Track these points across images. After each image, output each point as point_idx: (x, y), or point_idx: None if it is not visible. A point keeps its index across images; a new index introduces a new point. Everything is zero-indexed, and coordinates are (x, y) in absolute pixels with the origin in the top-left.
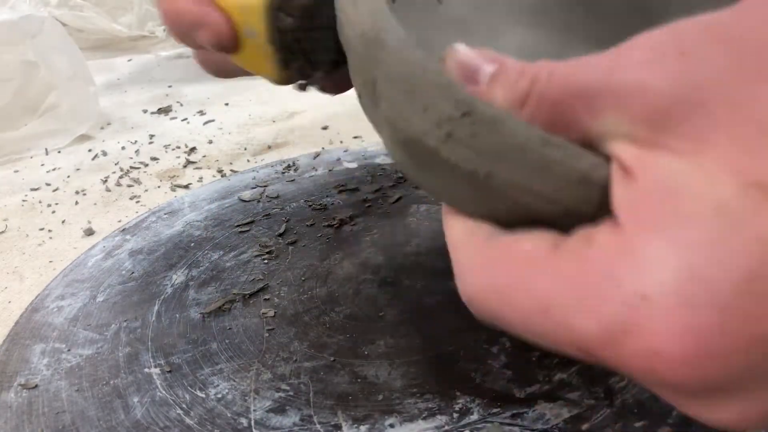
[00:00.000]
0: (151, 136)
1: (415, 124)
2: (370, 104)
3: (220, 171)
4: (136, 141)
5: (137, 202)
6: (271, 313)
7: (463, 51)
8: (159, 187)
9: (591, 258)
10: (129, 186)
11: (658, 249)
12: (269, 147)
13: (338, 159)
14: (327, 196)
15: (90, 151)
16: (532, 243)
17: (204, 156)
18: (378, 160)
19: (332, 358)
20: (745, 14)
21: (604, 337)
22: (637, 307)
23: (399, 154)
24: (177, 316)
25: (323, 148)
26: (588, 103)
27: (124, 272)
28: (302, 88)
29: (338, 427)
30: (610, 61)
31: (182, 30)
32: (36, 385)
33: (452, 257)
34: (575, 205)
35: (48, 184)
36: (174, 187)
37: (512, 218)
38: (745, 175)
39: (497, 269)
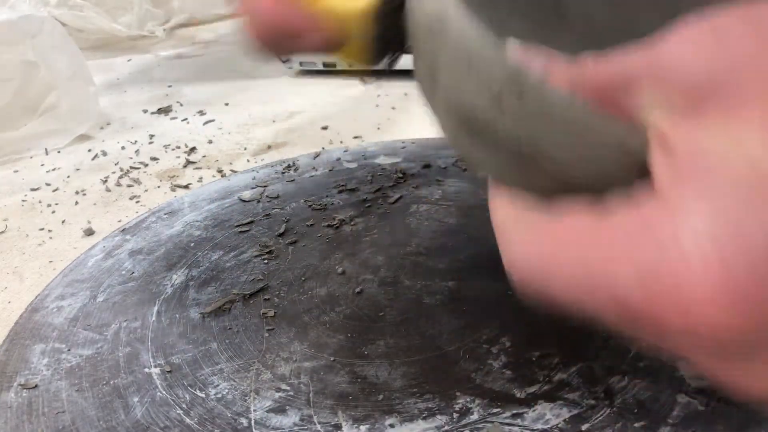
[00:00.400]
0: (151, 136)
1: (469, 90)
2: (429, 82)
3: (220, 171)
4: (136, 141)
5: (137, 202)
6: (271, 313)
7: (515, 46)
8: (159, 187)
9: (632, 217)
10: (129, 186)
11: (695, 202)
12: (269, 147)
13: (338, 159)
14: (327, 196)
15: (90, 151)
16: (575, 214)
17: (204, 156)
18: (378, 160)
19: (332, 358)
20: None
21: (641, 285)
22: (674, 253)
23: (453, 125)
24: (177, 316)
25: (323, 148)
26: (630, 81)
27: (124, 272)
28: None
29: (338, 427)
30: (650, 45)
31: (280, 37)
32: (36, 385)
33: (498, 230)
34: (613, 170)
35: (48, 184)
36: (174, 187)
37: (554, 186)
38: None
39: (544, 239)
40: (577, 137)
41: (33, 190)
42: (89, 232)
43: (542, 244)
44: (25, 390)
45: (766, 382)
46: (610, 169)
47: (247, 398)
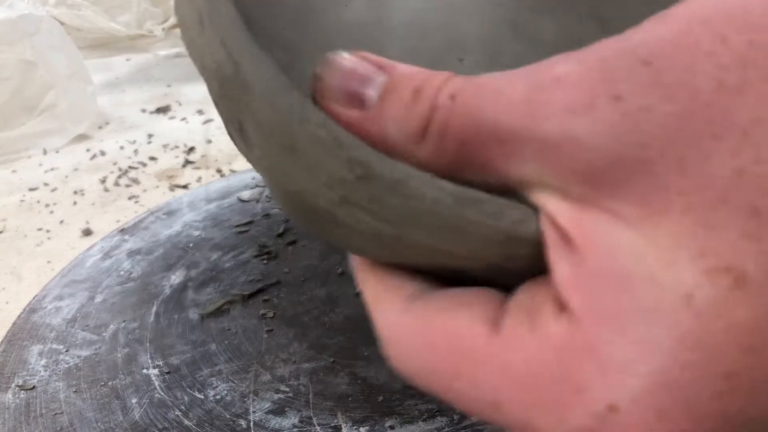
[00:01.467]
0: (150, 135)
1: (300, 182)
2: (242, 145)
3: (219, 171)
4: (134, 141)
5: (136, 202)
6: (271, 314)
7: (341, 61)
8: (157, 187)
9: (542, 350)
10: (127, 186)
11: (622, 351)
12: None
13: None
14: None
15: (88, 150)
16: (468, 320)
17: (203, 156)
18: None
19: (332, 359)
20: (678, 48)
21: None
22: (606, 419)
23: (285, 206)
24: (176, 316)
25: None
26: (504, 145)
27: (122, 273)
28: None
29: (338, 428)
30: (530, 97)
31: None
32: (34, 387)
33: (372, 319)
34: (502, 263)
35: (46, 184)
36: (173, 187)
37: (432, 271)
38: (708, 259)
39: (431, 351)
40: (454, 236)
41: (31, 190)
42: (87, 233)
43: (434, 361)
44: (22, 391)
45: None
46: (498, 261)
47: (246, 400)
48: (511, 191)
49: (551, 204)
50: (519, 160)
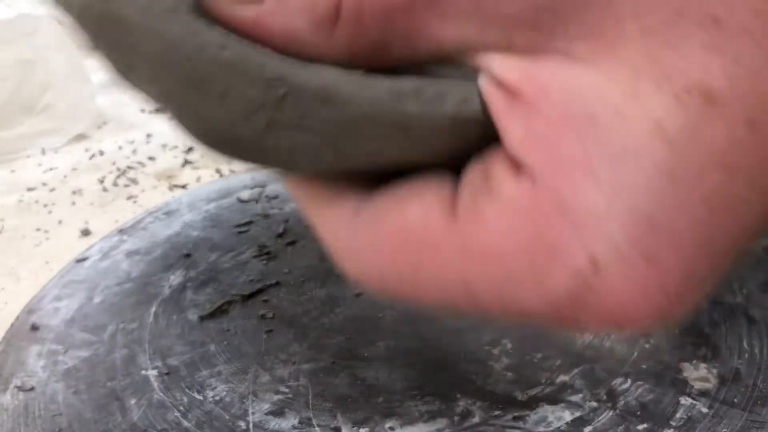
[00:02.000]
0: (149, 135)
1: (215, 116)
2: (140, 91)
3: (218, 171)
4: (133, 140)
5: (134, 202)
6: (270, 315)
7: None
8: (156, 187)
9: (505, 218)
10: (126, 186)
11: (594, 199)
12: None
13: None
14: None
15: (87, 150)
16: (421, 209)
17: (202, 156)
18: None
19: (332, 360)
20: None
21: (554, 311)
22: (589, 276)
23: (202, 142)
24: (174, 317)
25: None
26: (434, 6)
27: (121, 273)
28: None
29: (338, 429)
30: None
31: None
32: (32, 388)
33: (321, 239)
34: (451, 151)
35: (44, 184)
36: (172, 187)
37: (378, 172)
38: (674, 82)
39: (389, 250)
40: (396, 135)
41: (29, 190)
42: (86, 233)
43: (395, 261)
44: (21, 392)
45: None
46: (447, 150)
47: (245, 401)
48: (446, 63)
49: (496, 63)
50: (454, 20)
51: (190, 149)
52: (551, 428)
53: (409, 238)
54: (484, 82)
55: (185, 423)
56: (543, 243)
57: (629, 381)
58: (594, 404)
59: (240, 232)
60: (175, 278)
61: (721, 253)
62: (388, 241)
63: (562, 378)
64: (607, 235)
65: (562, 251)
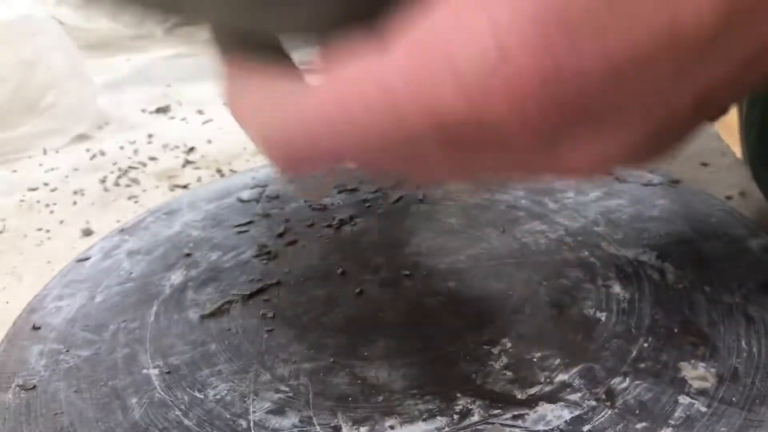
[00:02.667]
0: (150, 135)
1: None
2: None
3: (219, 171)
4: (134, 141)
5: (135, 202)
6: (271, 314)
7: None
8: (157, 187)
9: (420, 33)
10: (127, 186)
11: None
12: None
13: None
14: (327, 196)
15: (88, 150)
16: (357, 60)
17: (203, 156)
18: None
19: (332, 359)
20: None
21: (469, 106)
22: (497, 61)
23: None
24: (175, 317)
25: None
26: None
27: (122, 273)
28: None
29: (338, 428)
30: None
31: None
32: (34, 386)
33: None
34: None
35: (46, 184)
36: (172, 187)
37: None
38: None
39: (337, 97)
40: None
41: (31, 190)
42: (88, 233)
43: (330, 102)
44: (23, 391)
45: (585, 157)
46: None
47: (246, 400)
48: None
49: None
50: None
51: (191, 149)
52: (550, 427)
53: (353, 82)
54: None
55: (186, 422)
56: (459, 29)
57: (628, 380)
58: (593, 403)
59: (240, 232)
60: (176, 278)
61: (609, 38)
62: (336, 89)
63: (561, 377)
64: (513, 24)
65: (474, 36)
